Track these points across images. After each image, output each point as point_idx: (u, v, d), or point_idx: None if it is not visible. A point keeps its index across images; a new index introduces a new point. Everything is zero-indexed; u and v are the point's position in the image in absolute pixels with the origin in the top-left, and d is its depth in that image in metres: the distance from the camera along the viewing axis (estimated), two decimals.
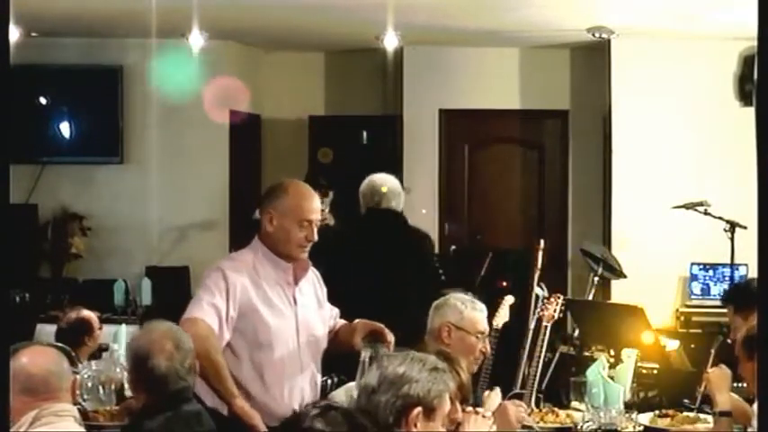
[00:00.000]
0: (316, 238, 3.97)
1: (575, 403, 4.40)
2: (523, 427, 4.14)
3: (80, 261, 9.09)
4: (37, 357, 3.41)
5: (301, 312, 4.03)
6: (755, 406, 3.83)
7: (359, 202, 5.97)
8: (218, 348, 3.80)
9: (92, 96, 9.18)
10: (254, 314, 3.89)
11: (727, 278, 8.33)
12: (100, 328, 5.57)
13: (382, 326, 4.07)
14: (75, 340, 5.24)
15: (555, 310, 5.29)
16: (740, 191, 7.25)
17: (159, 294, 7.77)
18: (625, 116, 8.92)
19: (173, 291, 8.39)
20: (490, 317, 4.73)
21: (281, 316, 3.95)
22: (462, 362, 3.40)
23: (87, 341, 5.41)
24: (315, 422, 2.55)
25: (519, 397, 4.82)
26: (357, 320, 4.22)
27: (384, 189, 5.82)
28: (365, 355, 3.85)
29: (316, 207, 4.00)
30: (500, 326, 4.96)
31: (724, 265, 8.25)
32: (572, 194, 9.66)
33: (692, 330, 8.21)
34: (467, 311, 4.31)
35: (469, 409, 3.32)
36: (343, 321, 4.29)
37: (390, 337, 4.00)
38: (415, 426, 2.88)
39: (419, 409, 2.88)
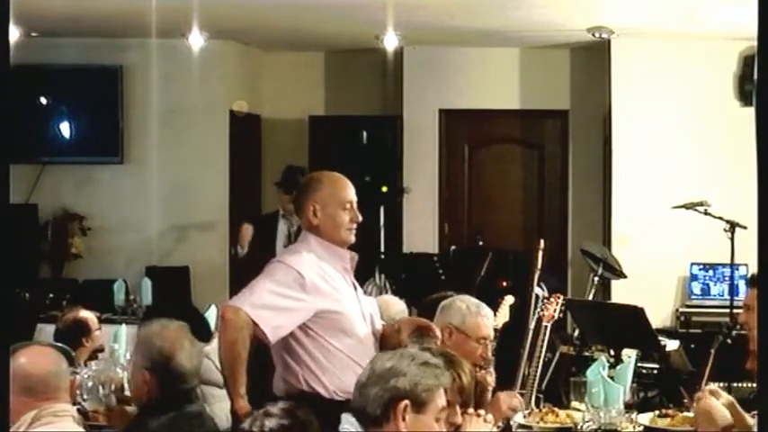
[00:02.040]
0: (360, 218, 4.06)
1: (575, 403, 4.40)
2: (521, 426, 4.14)
3: (80, 261, 9.09)
4: (36, 357, 3.41)
5: (361, 297, 4.12)
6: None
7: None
8: (246, 344, 3.82)
9: (92, 96, 9.18)
10: (331, 304, 3.93)
11: (727, 278, 8.33)
12: (99, 329, 5.55)
13: (429, 322, 4.10)
14: (72, 341, 5.21)
15: (555, 310, 5.29)
16: (740, 191, 7.25)
17: (159, 294, 7.75)
18: (625, 116, 8.92)
19: (173, 291, 8.41)
20: None
21: (350, 302, 4.02)
22: (466, 365, 3.38)
23: (85, 342, 5.37)
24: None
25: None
26: (400, 318, 4.29)
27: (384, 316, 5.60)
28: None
29: (353, 189, 4.09)
30: (500, 326, 4.95)
31: (724, 265, 8.25)
32: (572, 194, 9.66)
33: (692, 330, 8.21)
34: (470, 316, 4.29)
35: (471, 411, 3.30)
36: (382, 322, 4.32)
37: (438, 333, 4.02)
38: (404, 419, 2.86)
39: (406, 402, 2.87)
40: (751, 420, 3.90)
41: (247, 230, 7.44)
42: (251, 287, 3.92)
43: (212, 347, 4.75)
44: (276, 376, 4.02)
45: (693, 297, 8.69)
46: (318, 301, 3.91)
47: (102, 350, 5.28)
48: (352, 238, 4.08)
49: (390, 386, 2.88)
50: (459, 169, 9.76)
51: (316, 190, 4.06)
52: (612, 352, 5.71)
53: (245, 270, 7.49)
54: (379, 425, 2.87)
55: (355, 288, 4.11)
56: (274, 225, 7.19)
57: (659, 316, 8.28)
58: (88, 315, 5.53)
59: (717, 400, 3.78)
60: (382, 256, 8.74)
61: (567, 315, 6.39)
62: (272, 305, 3.84)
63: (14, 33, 7.45)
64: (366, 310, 4.10)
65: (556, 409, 4.40)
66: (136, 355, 3.66)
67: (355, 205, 4.07)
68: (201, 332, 4.86)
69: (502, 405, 4.01)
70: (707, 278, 8.67)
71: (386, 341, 4.09)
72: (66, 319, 5.56)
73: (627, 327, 5.90)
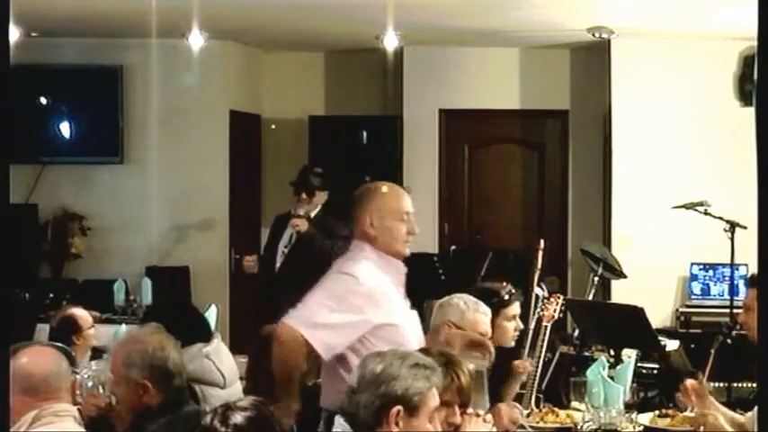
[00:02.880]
0: (417, 230, 3.99)
1: (575, 403, 4.40)
2: (518, 427, 4.14)
3: (80, 261, 9.09)
4: (37, 357, 3.41)
5: (411, 309, 4.04)
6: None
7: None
8: (299, 359, 3.80)
9: (92, 96, 9.18)
10: (387, 317, 3.84)
11: (727, 278, 8.33)
12: (92, 327, 5.53)
13: (482, 338, 4.04)
14: (63, 340, 5.19)
15: (555, 310, 5.29)
16: (740, 191, 7.25)
17: (159, 294, 7.76)
18: (625, 116, 8.92)
19: (173, 291, 8.41)
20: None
21: (405, 315, 3.94)
22: (465, 365, 3.37)
23: (76, 340, 5.35)
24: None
25: (519, 397, 4.82)
26: (452, 332, 4.19)
27: None
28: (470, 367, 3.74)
29: (409, 200, 4.01)
30: None
31: (724, 265, 8.25)
32: (572, 194, 9.66)
33: (692, 330, 8.21)
34: (468, 312, 4.31)
35: (470, 411, 3.30)
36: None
37: (491, 348, 3.97)
38: (397, 425, 2.83)
39: (399, 407, 2.84)
40: (742, 419, 3.92)
41: (249, 261, 7.31)
42: (307, 302, 3.81)
43: (212, 348, 4.74)
44: (328, 390, 3.90)
45: (693, 297, 8.69)
46: (375, 313, 3.80)
47: (105, 351, 5.27)
48: (408, 251, 4.00)
49: (381, 392, 2.84)
50: (459, 169, 9.75)
51: (372, 200, 3.96)
52: (612, 352, 5.71)
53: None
54: (372, 431, 2.85)
55: (406, 300, 4.01)
56: (284, 225, 7.17)
57: (659, 316, 8.28)
58: (79, 313, 5.51)
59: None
60: None
61: (567, 315, 6.38)
62: (328, 323, 3.76)
63: (14, 33, 7.45)
64: (415, 323, 4.01)
65: (556, 409, 4.41)
66: (127, 369, 3.55)
67: (412, 216, 3.98)
68: (201, 332, 4.85)
69: (503, 417, 3.98)
70: (707, 278, 8.67)
71: None
72: (58, 318, 5.56)
73: (627, 327, 5.90)
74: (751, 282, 4.81)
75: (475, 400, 3.74)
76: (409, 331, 3.92)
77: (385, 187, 4.03)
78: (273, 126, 9.97)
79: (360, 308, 3.79)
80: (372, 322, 3.80)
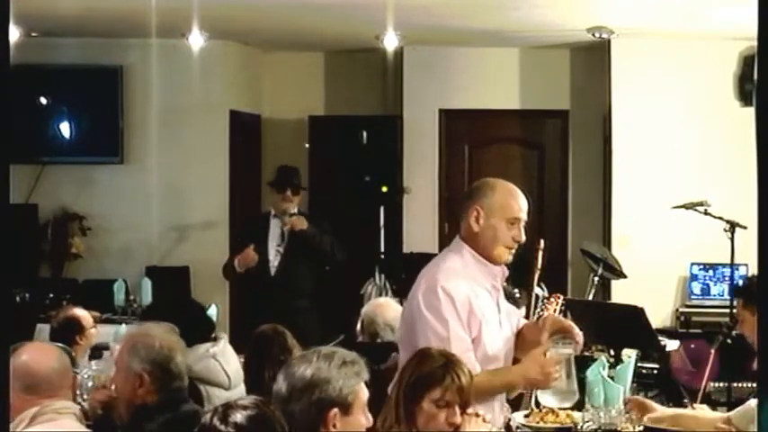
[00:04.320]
0: (523, 238, 3.77)
1: None
2: (517, 427, 4.14)
3: (80, 261, 9.09)
4: (39, 355, 3.42)
5: (504, 319, 3.85)
6: (754, 402, 3.84)
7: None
8: None
9: (92, 96, 9.18)
10: (481, 328, 3.67)
11: (727, 278, 8.34)
12: (94, 327, 5.54)
13: (571, 324, 3.86)
14: (66, 340, 5.20)
15: (555, 310, 5.29)
16: (740, 191, 7.25)
17: (159, 294, 7.76)
18: (625, 116, 8.92)
19: (173, 291, 8.40)
20: None
21: (495, 325, 3.76)
22: (465, 366, 3.36)
23: (79, 340, 5.38)
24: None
25: (519, 396, 4.82)
26: (546, 316, 4.07)
27: (379, 320, 5.40)
28: (551, 354, 3.69)
29: (524, 206, 3.77)
30: None
31: (724, 265, 8.26)
32: (572, 194, 9.67)
33: (692, 330, 8.21)
34: None
35: (470, 411, 3.30)
36: (525, 320, 4.09)
37: (579, 337, 3.81)
38: (335, 426, 2.86)
39: (335, 410, 2.86)
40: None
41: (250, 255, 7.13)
42: (425, 331, 3.60)
43: (219, 348, 4.74)
44: None
45: (693, 297, 8.70)
46: (473, 327, 3.64)
47: (106, 348, 5.28)
48: (509, 258, 3.80)
49: (315, 399, 2.86)
50: (459, 169, 9.75)
51: (485, 195, 3.74)
52: (612, 352, 5.71)
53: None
54: None
55: (499, 309, 3.83)
56: (266, 226, 7.15)
57: (659, 316, 8.28)
58: (81, 313, 5.54)
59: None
60: (382, 256, 8.74)
61: (567, 315, 6.38)
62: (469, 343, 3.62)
63: (14, 33, 7.45)
64: (506, 332, 3.84)
65: (556, 408, 4.40)
66: (130, 359, 3.58)
67: (522, 224, 3.75)
68: (204, 329, 4.85)
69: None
70: (707, 278, 8.67)
71: (529, 343, 3.84)
72: (60, 318, 5.57)
73: (627, 327, 5.89)
74: (736, 291, 4.81)
75: (564, 386, 3.72)
76: (500, 343, 3.74)
77: (501, 185, 3.79)
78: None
79: (468, 320, 3.64)
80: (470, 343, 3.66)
